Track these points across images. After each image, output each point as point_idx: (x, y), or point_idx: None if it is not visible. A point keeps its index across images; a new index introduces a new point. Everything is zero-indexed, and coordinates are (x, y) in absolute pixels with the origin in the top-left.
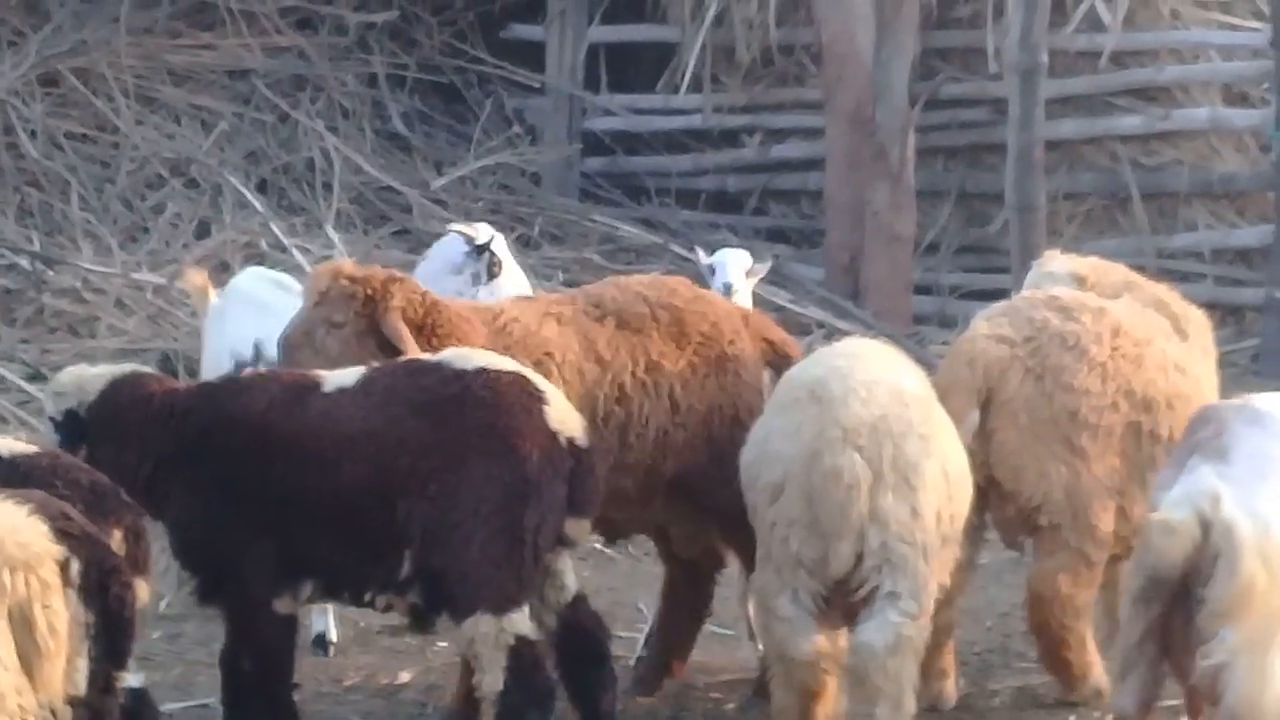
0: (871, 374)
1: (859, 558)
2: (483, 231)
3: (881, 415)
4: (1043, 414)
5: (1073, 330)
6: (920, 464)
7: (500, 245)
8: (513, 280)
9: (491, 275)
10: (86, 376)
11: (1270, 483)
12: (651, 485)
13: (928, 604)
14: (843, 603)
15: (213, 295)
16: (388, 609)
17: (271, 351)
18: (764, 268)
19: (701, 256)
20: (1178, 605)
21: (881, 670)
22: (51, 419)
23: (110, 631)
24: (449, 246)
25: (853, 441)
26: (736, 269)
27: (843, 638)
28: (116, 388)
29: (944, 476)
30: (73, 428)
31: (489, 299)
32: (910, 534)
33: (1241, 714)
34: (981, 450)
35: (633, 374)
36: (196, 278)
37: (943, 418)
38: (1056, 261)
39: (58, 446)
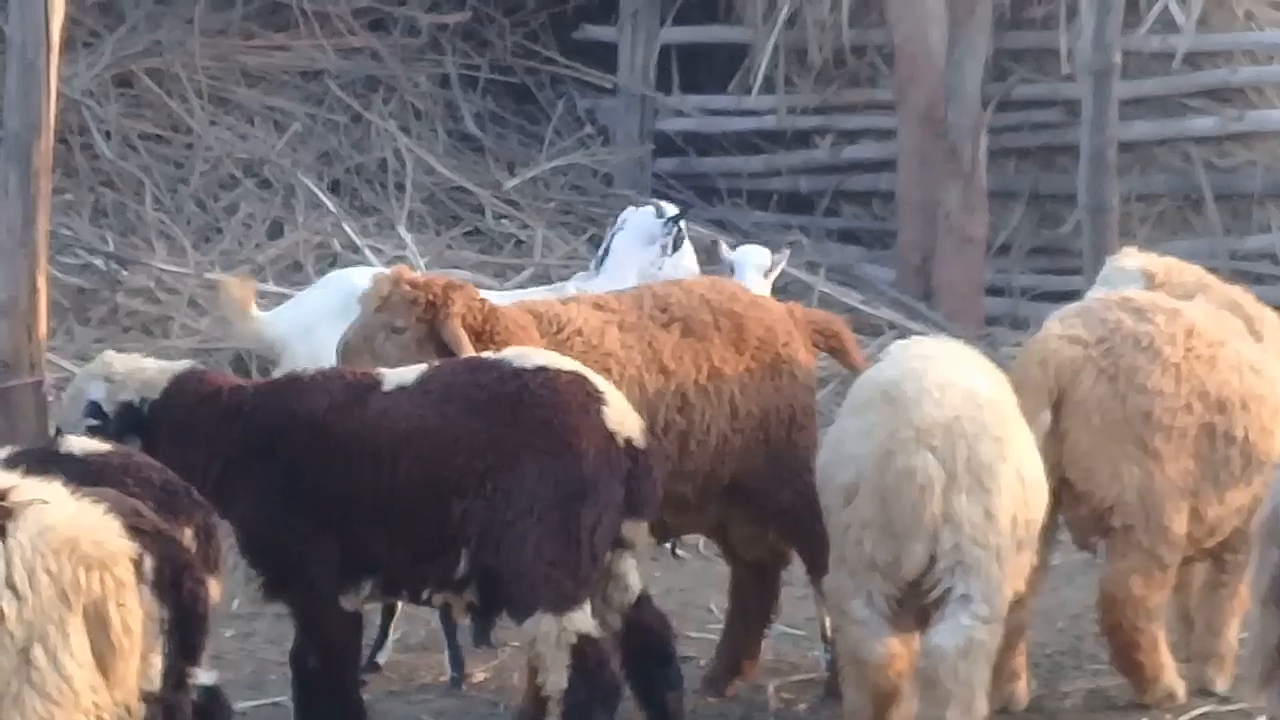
0: (946, 376)
1: (932, 559)
2: (670, 207)
3: (955, 417)
4: (1116, 415)
5: (1146, 331)
6: (995, 466)
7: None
8: (688, 256)
9: (676, 247)
10: (148, 372)
11: None
12: (710, 490)
13: (1001, 608)
14: (916, 606)
15: (254, 308)
16: (446, 608)
17: None
18: (783, 258)
19: (725, 251)
20: None
21: (952, 673)
22: (94, 403)
23: (183, 627)
24: (645, 218)
25: (926, 442)
26: (755, 270)
27: (916, 641)
28: (183, 385)
29: (1019, 480)
30: (127, 420)
31: (671, 271)
32: (984, 536)
33: None
34: (1054, 451)
35: (696, 382)
36: (240, 287)
37: (1019, 422)
38: (1131, 259)
39: (90, 431)
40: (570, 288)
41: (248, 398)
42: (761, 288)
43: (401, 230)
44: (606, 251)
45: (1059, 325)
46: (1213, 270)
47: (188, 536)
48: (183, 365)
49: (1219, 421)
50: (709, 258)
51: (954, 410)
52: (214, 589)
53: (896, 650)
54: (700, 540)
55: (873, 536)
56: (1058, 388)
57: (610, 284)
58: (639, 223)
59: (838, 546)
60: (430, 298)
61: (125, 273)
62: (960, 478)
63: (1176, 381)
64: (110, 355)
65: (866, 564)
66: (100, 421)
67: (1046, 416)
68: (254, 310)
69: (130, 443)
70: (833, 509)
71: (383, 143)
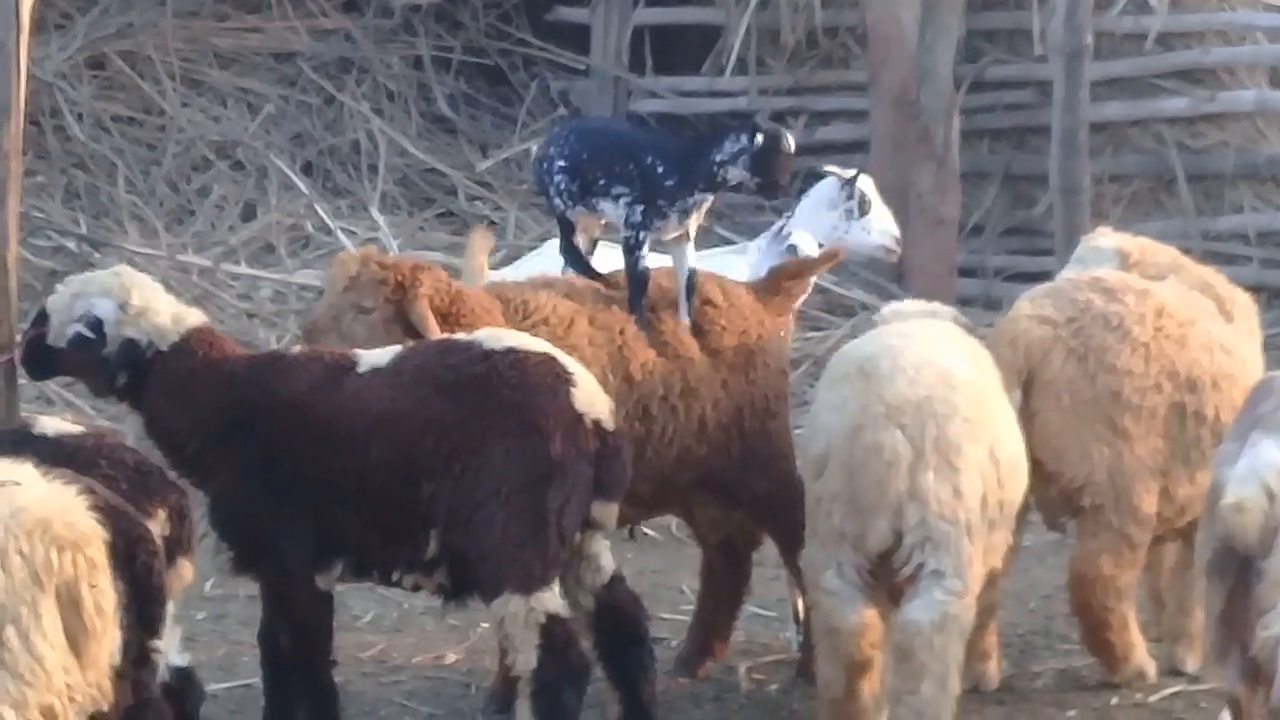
0: (922, 355)
1: (899, 536)
2: (850, 172)
3: (927, 396)
4: (1085, 395)
5: (1116, 311)
6: (963, 446)
7: (868, 186)
8: (880, 218)
9: (863, 211)
10: (162, 317)
11: None
12: (668, 491)
13: (974, 583)
14: (889, 583)
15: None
16: (416, 589)
17: None
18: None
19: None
20: (1239, 578)
21: (927, 647)
22: (97, 319)
23: (140, 601)
24: (826, 184)
25: (895, 419)
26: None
27: (889, 617)
28: (192, 345)
29: (992, 460)
30: (125, 356)
31: (861, 235)
32: (952, 513)
33: None
34: (1024, 431)
35: (663, 398)
36: (482, 239)
37: (999, 402)
38: (1105, 239)
39: (76, 341)
40: (752, 249)
41: (239, 371)
42: None
43: (374, 212)
44: (789, 216)
45: (1029, 305)
46: (1185, 251)
47: (161, 518)
48: (196, 319)
49: (1189, 401)
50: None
51: (926, 390)
52: (186, 571)
53: (870, 620)
54: (672, 522)
55: (840, 509)
56: (1027, 367)
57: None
58: (820, 189)
59: (811, 519)
60: (399, 278)
61: (98, 255)
62: (928, 456)
63: (1146, 361)
64: (128, 275)
65: (836, 536)
66: (94, 338)
67: (1017, 395)
68: (486, 271)
69: (116, 374)
70: (806, 481)
71: (355, 124)
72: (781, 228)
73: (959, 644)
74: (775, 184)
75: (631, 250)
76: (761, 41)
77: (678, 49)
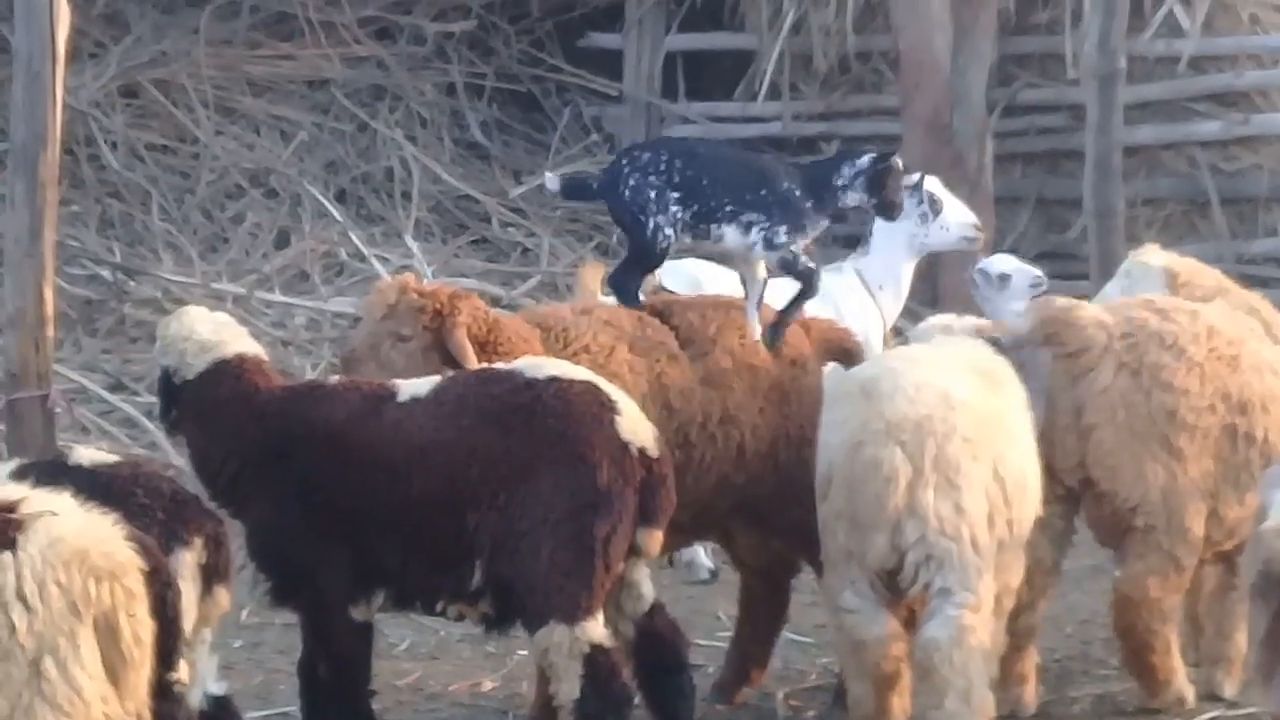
0: (923, 376)
1: (901, 553)
2: (913, 178)
3: (927, 415)
4: (1141, 411)
5: (1170, 330)
6: (963, 464)
7: (935, 185)
8: (957, 212)
9: (936, 211)
10: (190, 346)
11: None
12: (706, 518)
13: (986, 596)
14: (901, 602)
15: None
16: (460, 619)
17: None
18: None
19: (989, 265)
20: None
21: (946, 661)
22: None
23: (158, 634)
24: None
25: (895, 436)
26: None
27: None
28: (218, 376)
29: (997, 480)
30: (164, 387)
31: (942, 234)
32: (955, 529)
33: None
34: (1077, 449)
35: (702, 426)
36: (592, 273)
37: (1007, 423)
38: (1154, 256)
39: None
40: (847, 267)
41: (274, 400)
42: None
43: (408, 239)
44: (870, 233)
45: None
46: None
47: (197, 546)
48: (229, 351)
49: (1240, 423)
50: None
51: (926, 408)
52: (223, 599)
53: (894, 630)
54: (709, 547)
55: (844, 528)
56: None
57: (881, 261)
58: None
59: (824, 542)
60: (437, 306)
61: (132, 283)
62: (927, 474)
63: (1200, 381)
64: (189, 312)
65: (844, 554)
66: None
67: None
68: (600, 297)
69: (166, 408)
70: (818, 503)
71: (389, 151)
72: (867, 240)
73: (979, 658)
74: (892, 204)
75: (793, 266)
76: (794, 66)
77: (710, 74)
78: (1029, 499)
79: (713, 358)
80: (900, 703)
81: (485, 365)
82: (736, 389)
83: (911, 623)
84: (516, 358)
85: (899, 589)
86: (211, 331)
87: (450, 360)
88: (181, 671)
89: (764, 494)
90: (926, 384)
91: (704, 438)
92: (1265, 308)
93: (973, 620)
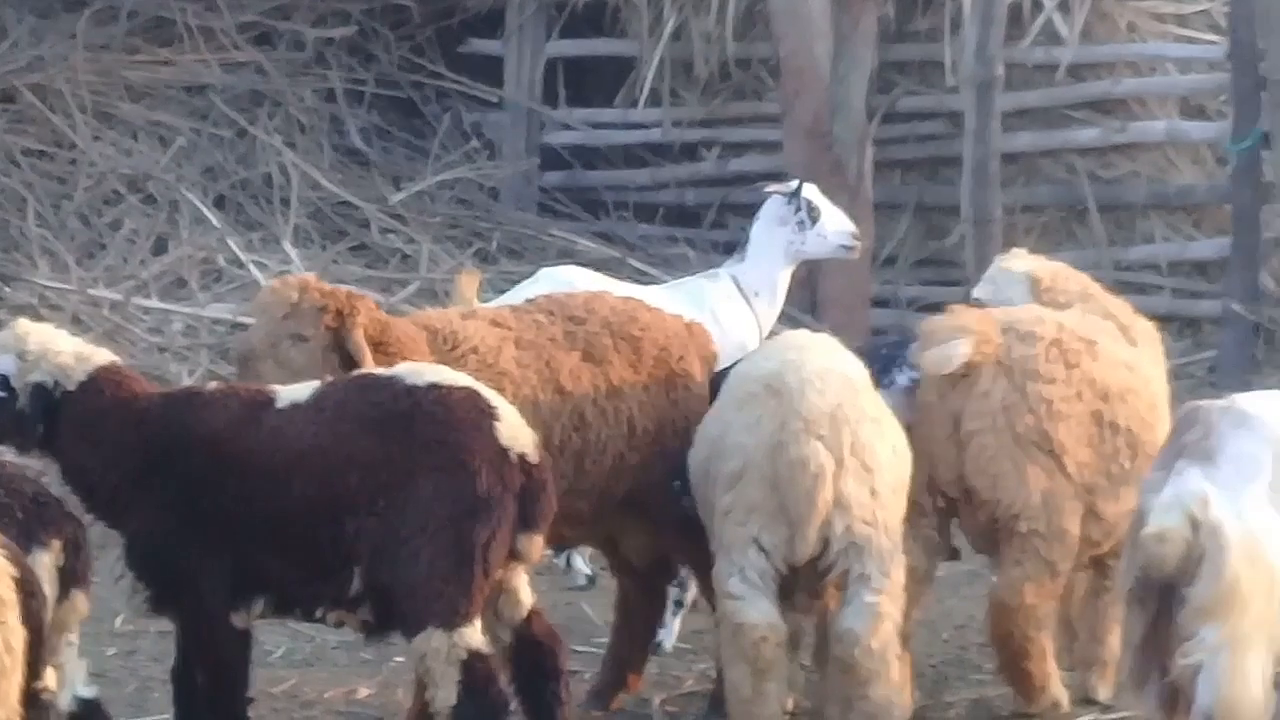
0: (822, 364)
1: (825, 543)
2: (791, 185)
3: (838, 404)
4: (1019, 410)
5: (1024, 321)
6: (874, 446)
7: (814, 192)
8: (835, 220)
9: (814, 219)
10: (64, 357)
11: (1256, 485)
12: (605, 505)
13: (898, 575)
14: (810, 586)
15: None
16: (340, 625)
17: None
18: None
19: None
20: (1162, 605)
21: (867, 652)
22: (2, 376)
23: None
24: (774, 203)
25: (814, 432)
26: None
27: (801, 619)
28: (100, 384)
29: (894, 453)
30: (39, 402)
31: (820, 242)
32: (870, 514)
33: (1216, 714)
34: (959, 461)
35: (593, 402)
36: (468, 282)
37: (882, 403)
38: (1019, 261)
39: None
40: (723, 274)
41: (153, 408)
42: None
43: (287, 245)
44: (747, 239)
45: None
46: (1097, 281)
47: (56, 549)
48: (102, 358)
49: (1104, 410)
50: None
51: (836, 398)
52: (81, 604)
53: (773, 621)
54: (587, 553)
55: (760, 520)
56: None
57: (758, 268)
58: (767, 209)
59: (715, 534)
60: (339, 307)
61: (8, 289)
62: (847, 462)
63: (1066, 368)
64: (24, 326)
65: (743, 543)
66: (5, 395)
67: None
68: (477, 303)
69: (34, 425)
70: (711, 497)
71: (268, 157)
72: (744, 247)
73: (896, 640)
74: None
75: None
76: (675, 73)
77: (591, 81)
78: (908, 463)
79: (589, 329)
80: (777, 689)
81: (364, 371)
82: (617, 363)
83: (808, 604)
84: (406, 359)
85: (810, 576)
86: (71, 342)
87: (348, 361)
88: (48, 679)
89: (654, 481)
90: (829, 370)
91: (596, 413)
92: (1124, 312)
93: (888, 606)
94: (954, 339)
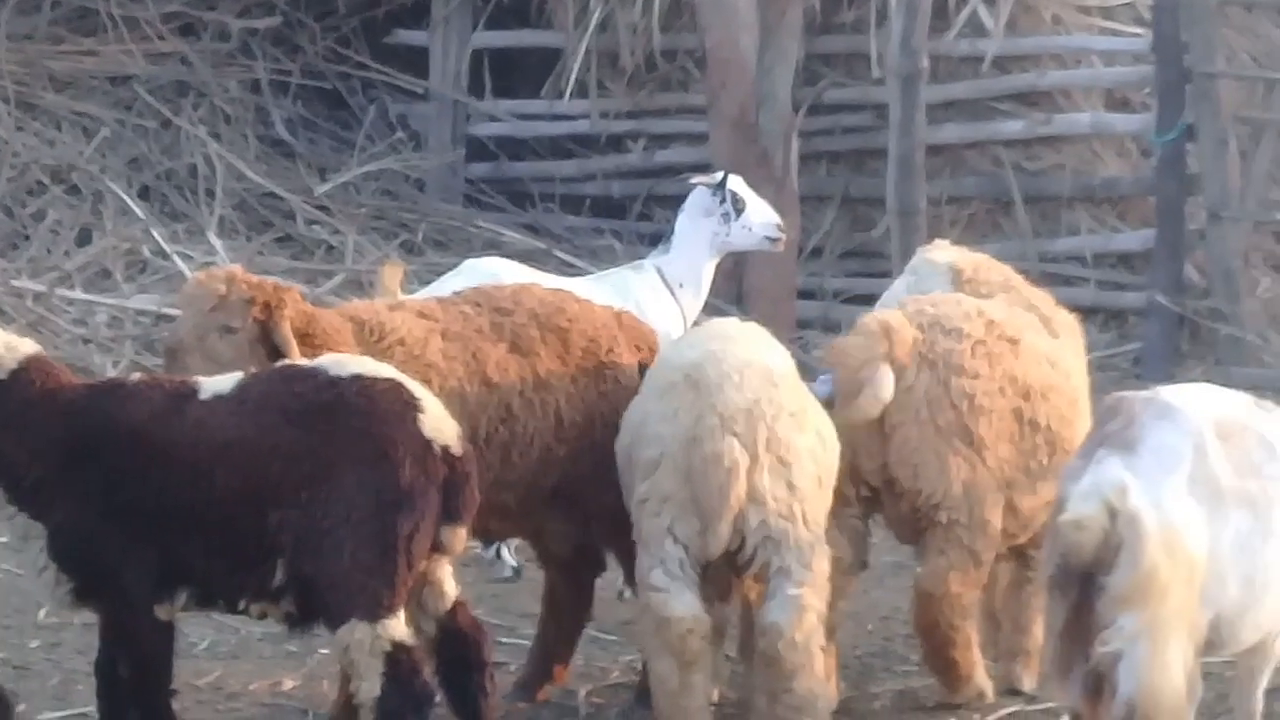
0: (743, 357)
1: (741, 537)
2: (716, 177)
3: (755, 400)
4: (942, 403)
5: (949, 316)
6: (792, 440)
7: (739, 184)
8: (760, 212)
9: (739, 210)
10: None
11: (1176, 476)
12: (533, 497)
13: (820, 565)
14: (727, 577)
15: (401, 292)
16: (263, 617)
17: None
18: None
19: None
20: (1082, 593)
21: (791, 645)
22: None
23: None
24: (699, 195)
25: (729, 427)
26: None
27: (723, 609)
28: (30, 374)
29: (820, 441)
30: None
31: (744, 233)
32: (788, 509)
33: (1138, 702)
34: (882, 451)
35: (520, 394)
36: (392, 273)
37: (807, 392)
38: (941, 253)
39: None
40: (648, 265)
41: (78, 399)
42: None
43: (212, 236)
44: (672, 231)
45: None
46: (1022, 272)
47: None
48: (30, 348)
49: (1025, 408)
50: (536, 260)
51: (753, 393)
52: None
53: (697, 613)
54: (513, 545)
55: (673, 511)
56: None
57: (683, 259)
58: (693, 200)
59: (636, 523)
60: (266, 299)
61: None
62: (762, 458)
63: (989, 364)
64: None
65: (660, 535)
66: None
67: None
68: (401, 295)
69: None
70: (631, 485)
71: (192, 148)
72: (668, 238)
73: (819, 631)
74: None
75: None
76: (601, 65)
77: (517, 72)
78: (836, 448)
79: (516, 320)
80: (703, 680)
81: (288, 363)
82: (544, 355)
83: (725, 591)
84: (332, 350)
85: (728, 568)
86: None
87: (275, 353)
88: None
89: (582, 474)
90: (749, 364)
91: (523, 405)
92: (1046, 303)
93: (811, 598)
94: (871, 377)
